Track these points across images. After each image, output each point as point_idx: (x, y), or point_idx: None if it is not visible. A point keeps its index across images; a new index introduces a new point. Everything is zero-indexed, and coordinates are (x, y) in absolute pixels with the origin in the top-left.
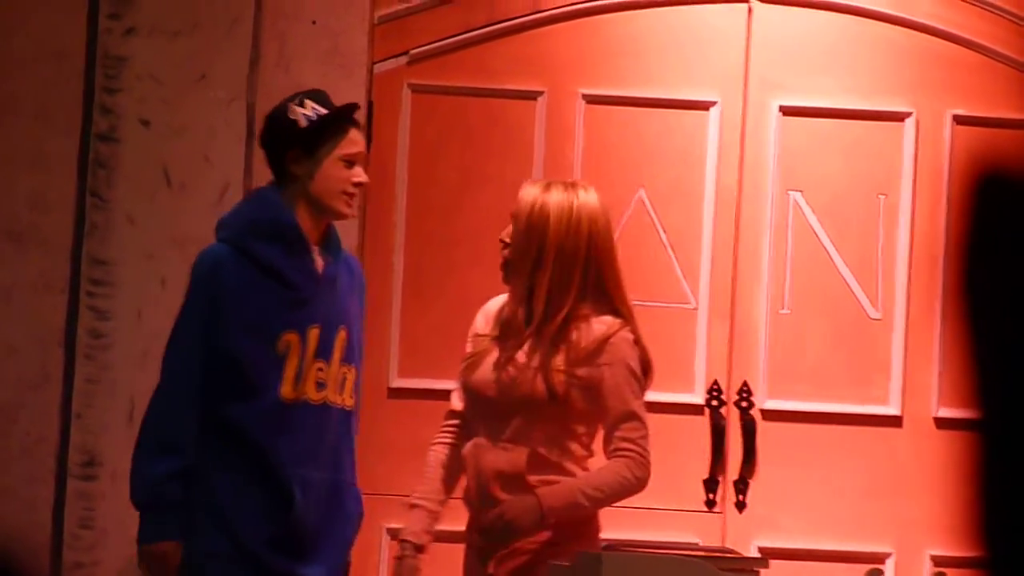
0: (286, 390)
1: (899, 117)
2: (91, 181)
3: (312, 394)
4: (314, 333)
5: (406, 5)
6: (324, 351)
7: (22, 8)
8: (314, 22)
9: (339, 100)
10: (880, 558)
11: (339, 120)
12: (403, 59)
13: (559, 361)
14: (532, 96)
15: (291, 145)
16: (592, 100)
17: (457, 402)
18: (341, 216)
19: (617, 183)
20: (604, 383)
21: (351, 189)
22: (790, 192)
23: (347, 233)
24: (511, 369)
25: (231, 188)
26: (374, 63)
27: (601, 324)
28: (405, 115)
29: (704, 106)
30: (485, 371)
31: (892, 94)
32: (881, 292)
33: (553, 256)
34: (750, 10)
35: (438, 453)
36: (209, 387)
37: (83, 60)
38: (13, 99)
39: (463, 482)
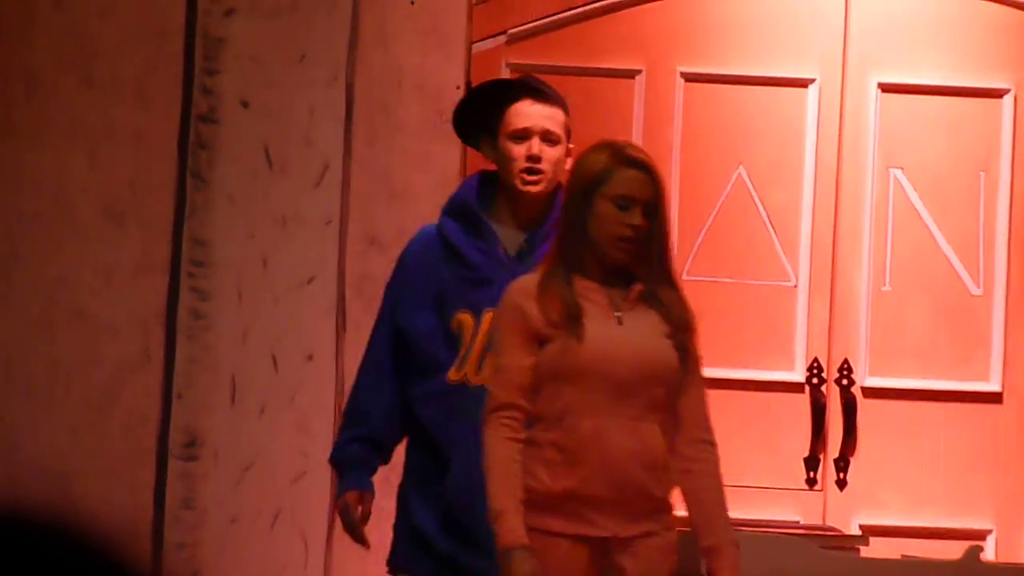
0: (452, 372)
1: (998, 94)
2: (192, 162)
3: (472, 376)
4: (487, 317)
5: None
6: None
7: None
8: (413, 2)
9: (437, 79)
10: (981, 535)
11: (502, 97)
12: (502, 38)
13: (670, 329)
14: (631, 75)
15: (479, 132)
16: (691, 78)
17: (514, 394)
18: (520, 194)
19: (716, 161)
20: (692, 354)
21: (524, 164)
22: (890, 169)
23: None
24: (634, 342)
25: (331, 168)
26: (473, 42)
27: (676, 296)
28: None
29: (803, 83)
30: (600, 347)
31: (991, 70)
32: (982, 269)
33: (667, 220)
34: None
35: (511, 450)
36: (400, 364)
37: (183, 41)
38: (114, 81)
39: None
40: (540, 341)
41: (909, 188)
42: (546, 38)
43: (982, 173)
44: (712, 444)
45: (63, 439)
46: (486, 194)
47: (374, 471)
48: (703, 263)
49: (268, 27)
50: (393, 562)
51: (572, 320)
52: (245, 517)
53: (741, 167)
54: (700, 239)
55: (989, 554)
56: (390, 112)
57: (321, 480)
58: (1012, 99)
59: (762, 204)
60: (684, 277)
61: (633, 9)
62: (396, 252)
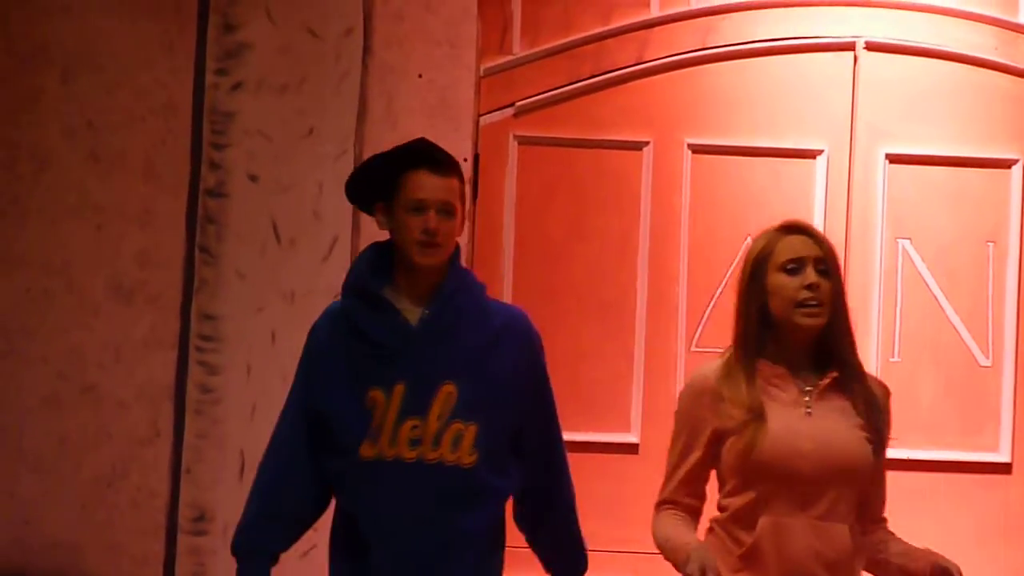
0: (365, 448)
1: (1006, 164)
2: (200, 237)
3: (405, 452)
4: (399, 389)
5: (512, 57)
6: (416, 407)
7: (130, 64)
8: (420, 76)
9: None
10: None
11: (400, 166)
12: (509, 111)
13: (864, 420)
14: (638, 146)
15: (373, 199)
16: (698, 150)
17: (677, 493)
18: (417, 266)
19: (724, 232)
20: (885, 444)
21: (420, 236)
22: (899, 240)
23: None
24: (822, 436)
25: (339, 242)
26: (480, 115)
27: (869, 377)
28: (512, 166)
29: (811, 154)
30: (785, 443)
31: (999, 141)
32: (991, 340)
33: (845, 300)
34: (856, 58)
35: (675, 518)
36: (315, 444)
37: (190, 116)
38: (121, 155)
39: None
40: (720, 436)
41: (917, 259)
42: (554, 110)
43: (990, 244)
44: (887, 521)
45: (73, 514)
46: (383, 265)
47: (275, 560)
48: (711, 335)
49: (276, 102)
50: None
51: (755, 418)
52: None
53: (749, 238)
54: (709, 310)
55: None
56: None
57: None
58: (1020, 169)
59: None
60: (692, 349)
61: (640, 81)
62: None
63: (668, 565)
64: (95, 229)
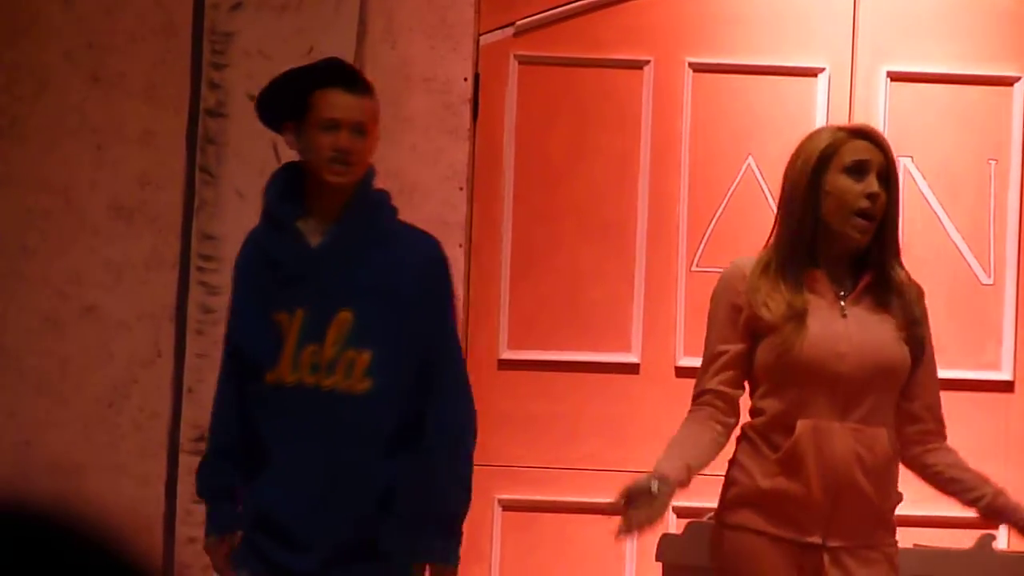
0: (269, 373)
1: (1008, 82)
2: (200, 157)
3: (306, 377)
4: (299, 314)
5: None
6: (314, 333)
7: None
8: None
9: (445, 73)
10: (993, 524)
11: (312, 84)
12: (509, 30)
13: (904, 322)
14: (639, 65)
15: (282, 118)
16: (699, 68)
17: (713, 382)
18: (327, 185)
19: (725, 152)
20: (928, 343)
21: (331, 155)
22: (900, 158)
23: (455, 207)
24: (860, 339)
25: None
26: (480, 35)
27: (904, 273)
28: (512, 87)
29: (812, 73)
30: (823, 345)
31: (1000, 59)
32: (993, 258)
33: (897, 213)
34: None
35: (697, 426)
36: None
37: (190, 36)
38: (121, 77)
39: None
40: (757, 332)
41: (919, 177)
42: (554, 29)
43: (992, 161)
44: (945, 438)
45: (74, 435)
46: (296, 187)
47: (234, 496)
48: (713, 254)
49: (276, 21)
50: (233, 558)
51: (795, 316)
52: None
53: (750, 157)
54: (710, 230)
55: (1001, 543)
56: (398, 105)
57: None
58: (1022, 87)
59: (771, 195)
60: (693, 268)
61: (641, 0)
62: None
63: None
64: (95, 150)
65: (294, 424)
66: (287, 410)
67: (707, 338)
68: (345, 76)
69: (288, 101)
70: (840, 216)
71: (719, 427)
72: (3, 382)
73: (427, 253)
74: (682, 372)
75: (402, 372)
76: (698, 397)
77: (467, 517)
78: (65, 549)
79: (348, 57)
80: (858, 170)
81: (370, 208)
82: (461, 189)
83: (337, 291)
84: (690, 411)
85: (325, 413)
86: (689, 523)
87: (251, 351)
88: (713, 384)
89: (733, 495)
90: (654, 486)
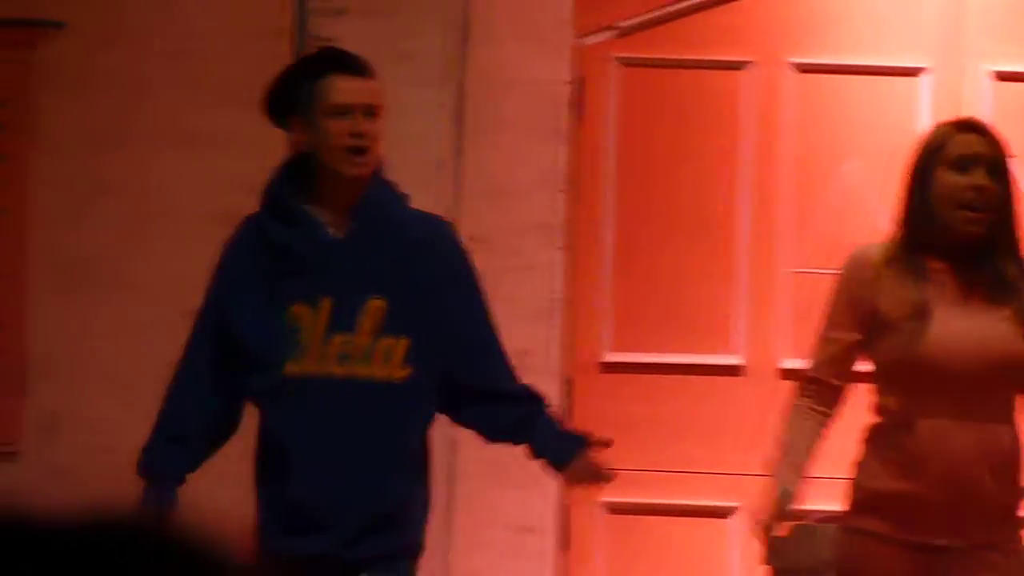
0: (290, 365)
1: None
2: None
3: (333, 368)
4: (326, 304)
5: None
6: (344, 322)
7: None
8: None
9: (545, 76)
10: None
11: (315, 73)
12: (610, 32)
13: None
14: (741, 66)
15: (287, 113)
16: (801, 69)
17: (822, 370)
18: (349, 176)
19: (827, 152)
20: None
21: (349, 142)
22: None
23: (554, 209)
24: (983, 335)
25: (441, 167)
26: (581, 37)
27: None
28: (613, 89)
29: (916, 72)
30: (946, 343)
31: None
32: None
33: (1013, 205)
34: None
35: (804, 419)
36: (227, 363)
37: (291, 42)
38: (222, 81)
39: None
40: (876, 325)
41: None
42: (655, 31)
43: None
44: None
45: None
46: (299, 180)
47: (182, 481)
48: (815, 255)
49: (377, 26)
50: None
51: (917, 315)
52: None
53: (852, 158)
54: (812, 231)
55: None
56: (497, 109)
57: (435, 477)
58: None
59: (875, 194)
60: (796, 269)
61: (743, 0)
62: (503, 248)
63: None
64: (194, 155)
65: (323, 415)
66: (317, 401)
67: (823, 319)
68: (348, 61)
69: (293, 93)
70: (948, 210)
71: (822, 418)
72: (98, 387)
73: (447, 235)
74: (785, 374)
75: (436, 358)
76: (804, 385)
77: (572, 521)
78: (160, 557)
79: (448, 61)
80: (964, 164)
81: (387, 197)
82: (560, 191)
83: (365, 280)
84: (795, 400)
85: (360, 403)
86: (796, 526)
87: (260, 344)
88: (821, 373)
89: (857, 499)
90: (786, 502)
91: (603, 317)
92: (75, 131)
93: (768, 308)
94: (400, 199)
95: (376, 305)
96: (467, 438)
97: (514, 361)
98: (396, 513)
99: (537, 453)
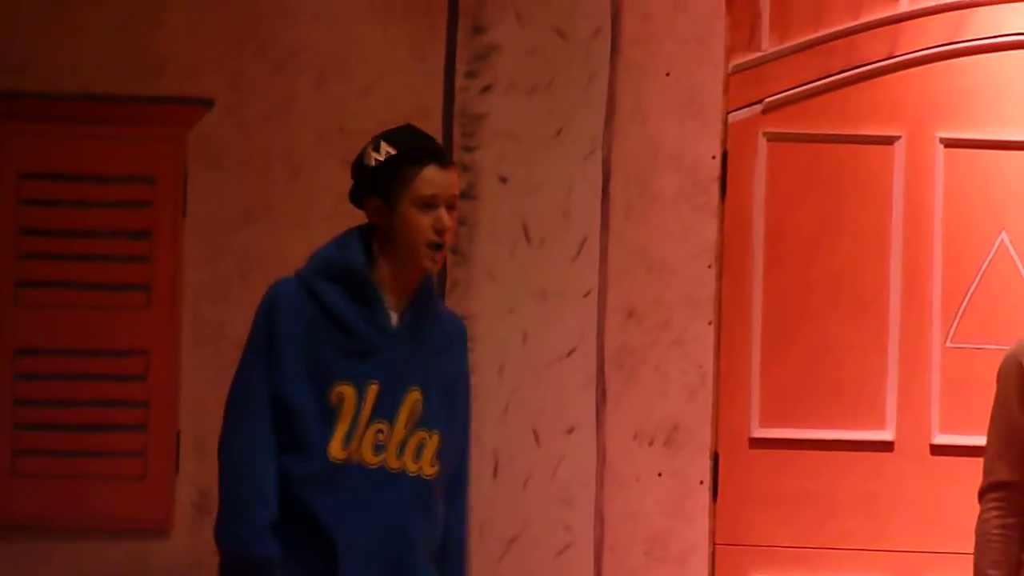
0: (335, 449)
1: None
2: (453, 239)
3: (368, 456)
4: (373, 389)
5: (760, 53)
6: (385, 411)
7: (381, 69)
8: (668, 74)
9: (694, 151)
10: None
11: (409, 160)
12: (758, 107)
13: None
14: (889, 141)
15: (367, 193)
16: (950, 144)
17: (1001, 472)
18: (419, 268)
19: (978, 227)
20: None
21: (431, 237)
22: None
23: (704, 284)
24: None
25: (589, 241)
26: (729, 112)
27: None
28: (761, 163)
29: None
30: None
31: None
32: None
33: None
34: None
35: (993, 534)
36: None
37: (441, 118)
38: None
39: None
40: None
41: None
42: (803, 106)
43: None
44: None
45: None
46: (365, 253)
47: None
48: (967, 330)
49: (525, 103)
50: None
51: None
52: None
53: (1004, 232)
54: (964, 305)
55: None
56: (646, 184)
57: (584, 553)
58: None
59: None
60: (948, 344)
61: (891, 75)
62: (654, 324)
63: (930, 562)
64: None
65: (364, 505)
66: (355, 490)
67: (993, 419)
68: (438, 151)
69: (380, 177)
70: None
71: (1006, 531)
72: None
73: (464, 332)
74: (937, 450)
75: (455, 455)
76: (987, 491)
77: None
78: None
79: (597, 136)
80: None
81: (433, 291)
82: (710, 267)
83: (409, 370)
84: (983, 509)
85: (397, 495)
86: None
87: (307, 423)
88: (1002, 475)
89: None
90: None
91: (752, 392)
92: (226, 207)
93: (920, 383)
94: (435, 292)
95: (414, 396)
96: None
97: (663, 436)
98: None
99: None
